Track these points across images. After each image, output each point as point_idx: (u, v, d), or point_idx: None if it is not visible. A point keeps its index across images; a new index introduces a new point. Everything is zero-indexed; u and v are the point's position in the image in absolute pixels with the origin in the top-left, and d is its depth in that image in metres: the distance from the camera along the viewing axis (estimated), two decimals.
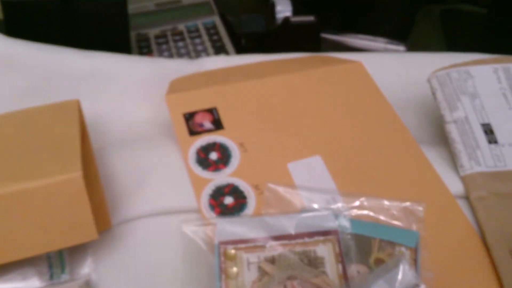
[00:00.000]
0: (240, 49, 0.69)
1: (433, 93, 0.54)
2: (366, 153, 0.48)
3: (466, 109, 0.51)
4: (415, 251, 0.43)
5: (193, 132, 0.46)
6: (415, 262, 0.42)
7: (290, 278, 0.38)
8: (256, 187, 0.44)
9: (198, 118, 0.47)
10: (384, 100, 0.53)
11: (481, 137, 0.49)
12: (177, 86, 0.50)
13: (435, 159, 0.50)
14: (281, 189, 0.44)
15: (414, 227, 0.44)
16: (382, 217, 0.44)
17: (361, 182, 0.46)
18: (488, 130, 0.50)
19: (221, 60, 0.60)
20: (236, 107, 0.49)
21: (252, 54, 0.63)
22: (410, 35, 0.87)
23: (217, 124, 0.48)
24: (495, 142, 0.49)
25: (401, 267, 0.39)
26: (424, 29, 0.94)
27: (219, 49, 0.67)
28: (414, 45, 0.88)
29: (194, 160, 0.45)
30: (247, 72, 0.55)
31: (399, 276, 0.39)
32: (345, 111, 0.51)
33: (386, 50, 0.82)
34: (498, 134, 0.50)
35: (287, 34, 0.69)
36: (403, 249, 0.42)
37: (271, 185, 0.44)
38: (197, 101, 0.48)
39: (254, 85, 0.51)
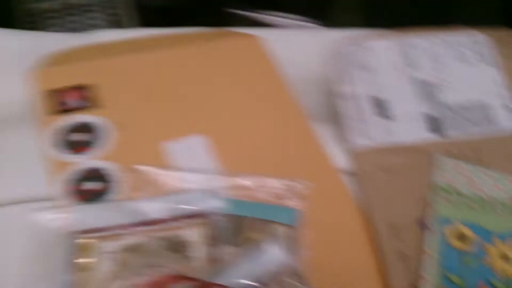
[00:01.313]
0: (143, 25, 0.65)
1: (327, 68, 0.51)
2: (252, 130, 0.46)
3: (358, 83, 0.49)
4: (293, 229, 0.40)
5: (57, 111, 0.42)
6: (293, 241, 0.40)
7: (149, 266, 0.35)
8: (125, 170, 0.40)
9: (64, 96, 0.43)
10: (277, 76, 0.50)
11: (371, 111, 0.48)
12: (50, 61, 0.46)
13: (328, 135, 0.48)
14: (152, 171, 0.41)
15: (295, 205, 0.42)
16: (262, 196, 0.42)
17: (244, 161, 0.44)
18: (379, 104, 0.48)
19: (112, 34, 0.56)
20: (118, 83, 0.46)
21: (148, 28, 0.59)
22: (327, 12, 0.85)
23: (91, 102, 0.44)
24: (385, 115, 0.47)
25: (270, 247, 0.37)
26: (344, 5, 0.92)
27: (115, 24, 0.63)
28: (334, 22, 0.86)
29: (54, 142, 0.41)
30: (133, 46, 0.51)
31: (268, 256, 0.37)
32: (234, 87, 0.49)
33: (300, 27, 0.79)
34: (388, 107, 0.48)
35: (192, 8, 0.65)
36: (280, 227, 0.40)
37: (141, 167, 0.41)
38: (66, 77, 0.44)
39: (138, 59, 0.48)
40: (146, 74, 0.46)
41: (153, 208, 0.38)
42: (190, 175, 0.41)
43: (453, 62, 0.51)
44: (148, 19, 0.66)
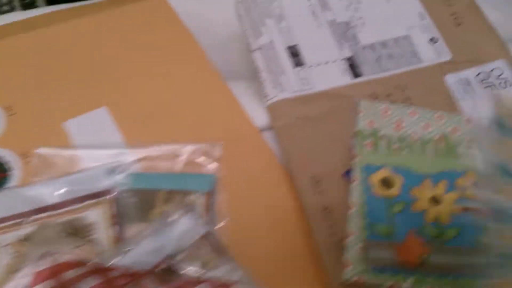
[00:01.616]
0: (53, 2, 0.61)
1: (240, 21, 0.48)
2: (162, 96, 0.43)
3: (271, 33, 0.46)
4: (209, 195, 0.38)
5: None
6: (209, 208, 0.37)
7: (45, 255, 0.32)
8: (23, 155, 0.37)
9: None
10: (188, 37, 0.47)
11: (287, 61, 0.45)
12: None
13: (244, 93, 0.45)
14: (52, 153, 0.38)
15: (212, 170, 0.39)
16: (174, 165, 0.39)
17: (155, 130, 0.41)
18: (295, 53, 0.45)
19: (17, 15, 0.52)
20: (5, 64, 0.42)
21: (60, 4, 0.55)
22: None
23: None
24: (302, 64, 0.45)
25: (182, 218, 0.34)
26: None
27: (28, 6, 0.59)
28: None
29: None
30: (31, 24, 0.47)
31: (180, 228, 0.34)
32: (141, 52, 0.45)
33: None
34: (305, 55, 0.45)
35: None
36: (195, 196, 0.38)
37: (41, 150, 0.38)
38: None
39: (29, 38, 0.44)
40: (40, 52, 0.43)
41: (53, 192, 0.35)
42: (94, 152, 0.39)
43: None
44: None
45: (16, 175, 0.37)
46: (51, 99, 0.41)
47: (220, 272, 0.34)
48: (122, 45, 0.45)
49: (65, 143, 0.39)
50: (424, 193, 0.38)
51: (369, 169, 0.38)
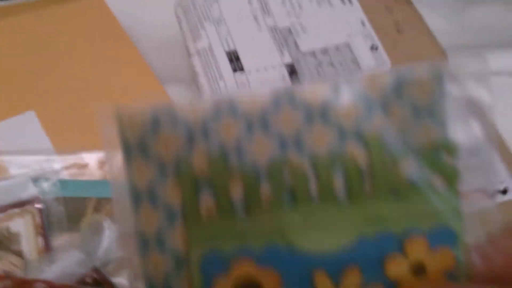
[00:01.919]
0: None
1: (179, 24, 0.47)
2: (95, 99, 0.41)
3: (210, 37, 0.45)
4: None
5: None
6: None
7: None
8: None
9: None
10: (125, 38, 0.46)
11: (226, 66, 0.44)
12: None
13: (183, 98, 0.44)
14: None
15: None
16: (105, 172, 0.37)
17: (86, 135, 0.39)
18: (234, 57, 0.44)
19: None
20: None
21: None
22: None
23: None
24: (241, 69, 0.44)
25: (111, 227, 0.33)
26: None
27: None
28: None
29: None
30: None
31: (108, 237, 0.33)
32: (74, 54, 0.44)
33: None
34: (245, 60, 0.45)
35: None
36: None
37: None
38: None
39: None
40: None
41: None
42: (20, 158, 0.37)
43: (310, 4, 0.48)
44: None
45: None
46: None
47: None
48: (55, 47, 0.43)
49: None
50: None
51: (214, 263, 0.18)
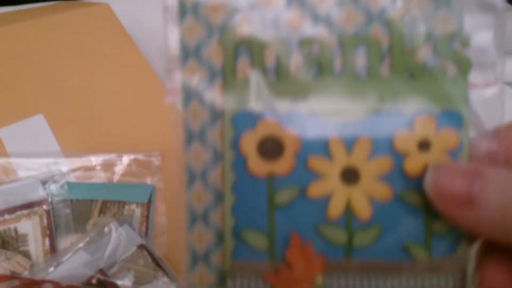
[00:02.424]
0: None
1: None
2: (101, 105, 0.42)
3: None
4: (147, 207, 0.37)
5: None
6: (146, 219, 0.37)
7: None
8: None
9: None
10: (130, 43, 0.46)
11: None
12: None
13: None
14: None
15: (149, 180, 0.39)
16: (111, 175, 0.38)
17: (93, 139, 0.40)
18: None
19: None
20: None
21: (3, 6, 0.53)
22: None
23: None
24: None
25: (117, 229, 0.34)
26: None
27: None
28: None
29: None
30: None
31: (114, 240, 0.33)
32: (82, 59, 0.44)
33: None
34: None
35: None
36: (133, 206, 0.37)
37: None
38: None
39: None
40: None
41: None
42: (29, 161, 0.37)
43: None
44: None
45: None
46: None
47: (156, 284, 0.34)
48: (62, 52, 0.44)
49: (2, 151, 0.38)
50: (332, 163, 0.19)
51: (244, 120, 0.19)
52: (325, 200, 0.19)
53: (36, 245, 0.33)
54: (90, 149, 0.39)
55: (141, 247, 0.35)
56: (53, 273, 0.32)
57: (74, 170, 0.38)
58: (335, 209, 0.19)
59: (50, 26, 0.45)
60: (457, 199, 0.17)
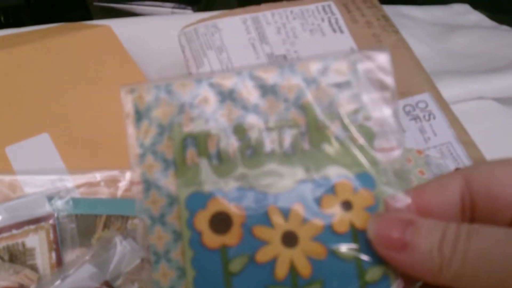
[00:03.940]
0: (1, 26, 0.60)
1: (183, 51, 0.49)
2: (103, 123, 0.42)
3: (212, 63, 0.47)
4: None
5: None
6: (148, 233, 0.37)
7: None
8: None
9: None
10: (131, 64, 0.47)
11: None
12: None
13: None
14: None
15: None
16: (114, 190, 0.39)
17: (95, 156, 0.41)
18: None
19: None
20: None
21: (7, 29, 0.54)
22: None
23: None
24: None
25: (121, 243, 0.34)
26: None
27: None
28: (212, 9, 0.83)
29: None
30: None
31: (119, 253, 0.34)
32: (85, 80, 0.45)
33: (173, 14, 0.76)
34: None
35: (48, 5, 0.60)
36: (136, 220, 0.37)
37: None
38: None
39: None
40: None
41: None
42: (35, 178, 0.38)
43: (304, 33, 0.50)
44: (6, 20, 0.60)
45: None
46: None
47: None
48: (66, 72, 0.45)
49: (6, 168, 0.38)
50: (273, 230, 0.22)
51: (196, 201, 0.22)
52: (272, 264, 0.22)
53: (43, 258, 0.34)
54: (94, 165, 0.40)
55: (145, 260, 0.35)
56: (60, 286, 0.32)
57: (78, 186, 0.38)
58: (281, 270, 0.22)
59: (55, 47, 0.46)
60: (394, 244, 0.20)
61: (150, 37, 0.56)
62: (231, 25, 0.49)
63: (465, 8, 0.69)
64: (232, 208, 0.22)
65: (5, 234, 0.34)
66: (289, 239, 0.22)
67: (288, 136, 0.22)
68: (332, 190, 0.22)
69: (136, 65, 0.47)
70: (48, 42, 0.46)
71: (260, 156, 0.22)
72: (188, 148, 0.22)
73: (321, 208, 0.22)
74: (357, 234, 0.22)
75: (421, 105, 0.46)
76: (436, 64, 0.55)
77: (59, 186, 0.38)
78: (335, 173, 0.22)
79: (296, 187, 0.22)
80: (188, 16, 0.66)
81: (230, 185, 0.22)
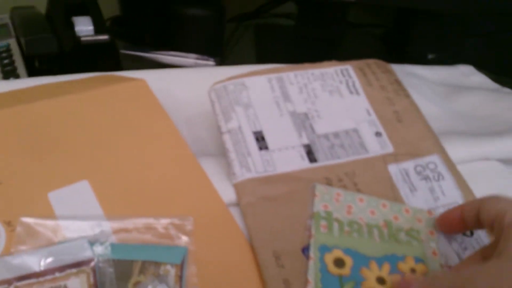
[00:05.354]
0: (34, 72, 0.62)
1: (212, 106, 0.51)
2: (139, 172, 0.44)
3: (240, 119, 0.49)
4: (180, 267, 0.39)
5: None
6: (180, 279, 0.39)
7: None
8: (8, 224, 0.38)
9: None
10: (165, 117, 0.50)
11: (253, 145, 0.48)
12: None
13: (214, 170, 0.48)
14: (35, 222, 0.38)
15: (182, 243, 0.41)
16: (149, 237, 0.40)
17: (132, 203, 0.42)
18: (260, 137, 0.48)
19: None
20: None
21: (42, 76, 0.57)
22: (222, 50, 0.86)
23: None
24: (266, 148, 0.48)
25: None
26: (242, 43, 0.93)
27: (9, 73, 0.60)
28: (231, 60, 0.86)
29: None
30: (17, 97, 0.49)
31: None
32: (122, 130, 0.47)
33: (196, 65, 0.79)
34: (269, 140, 0.49)
35: (82, 54, 0.63)
36: (168, 267, 0.39)
37: (24, 219, 0.38)
38: None
39: (19, 111, 0.45)
40: (27, 126, 0.44)
41: (35, 261, 0.36)
42: (75, 223, 0.40)
43: (324, 94, 0.53)
44: (40, 67, 0.63)
45: (0, 243, 0.37)
46: (36, 171, 0.42)
47: None
48: (105, 123, 0.47)
49: (48, 213, 0.40)
50: (371, 273, 0.40)
51: (324, 249, 0.41)
52: None
53: None
54: (129, 212, 0.41)
55: None
56: None
57: (116, 232, 0.40)
58: None
59: (96, 99, 0.48)
60: None
61: (177, 88, 0.59)
62: (258, 84, 0.52)
63: (470, 69, 0.72)
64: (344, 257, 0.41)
65: (48, 277, 0.35)
66: (381, 281, 0.40)
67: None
68: (403, 260, 0.41)
69: (169, 118, 0.49)
70: (89, 94, 0.49)
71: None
72: None
73: (398, 268, 0.41)
74: None
75: (431, 166, 0.48)
76: (443, 124, 0.57)
77: (98, 231, 0.39)
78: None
79: (386, 254, 0.41)
80: (212, 69, 0.68)
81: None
